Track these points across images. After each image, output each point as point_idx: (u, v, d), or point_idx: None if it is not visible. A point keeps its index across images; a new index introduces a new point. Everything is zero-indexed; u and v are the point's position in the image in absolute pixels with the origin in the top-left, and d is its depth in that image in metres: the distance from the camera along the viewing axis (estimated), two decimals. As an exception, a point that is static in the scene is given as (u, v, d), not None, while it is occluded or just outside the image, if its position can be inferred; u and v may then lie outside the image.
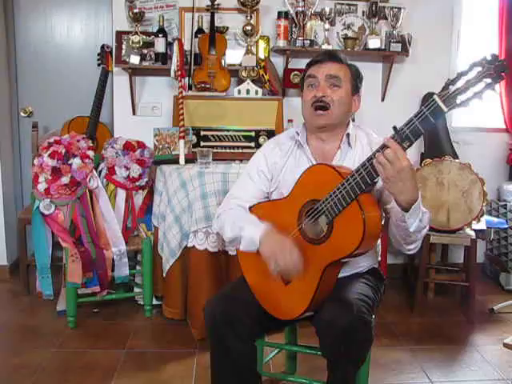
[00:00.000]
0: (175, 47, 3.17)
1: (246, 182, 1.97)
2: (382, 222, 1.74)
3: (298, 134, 1.94)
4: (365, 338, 1.66)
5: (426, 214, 1.65)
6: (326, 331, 1.64)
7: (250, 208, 1.91)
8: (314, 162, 1.87)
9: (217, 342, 1.78)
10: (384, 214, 1.80)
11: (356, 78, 1.88)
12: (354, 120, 2.97)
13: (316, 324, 1.69)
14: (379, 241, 2.00)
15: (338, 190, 1.59)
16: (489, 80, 1.33)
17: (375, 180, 1.54)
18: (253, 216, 1.86)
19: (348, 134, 1.88)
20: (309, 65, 1.91)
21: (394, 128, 1.47)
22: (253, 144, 3.27)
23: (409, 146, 1.46)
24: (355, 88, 1.88)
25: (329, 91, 1.82)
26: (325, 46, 3.49)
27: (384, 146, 1.48)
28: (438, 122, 1.42)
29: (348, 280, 1.84)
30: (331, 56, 1.86)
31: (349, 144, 1.89)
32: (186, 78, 3.38)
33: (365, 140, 1.90)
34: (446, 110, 1.38)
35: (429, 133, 3.73)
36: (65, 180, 2.95)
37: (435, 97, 1.39)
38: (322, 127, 1.86)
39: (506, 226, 3.60)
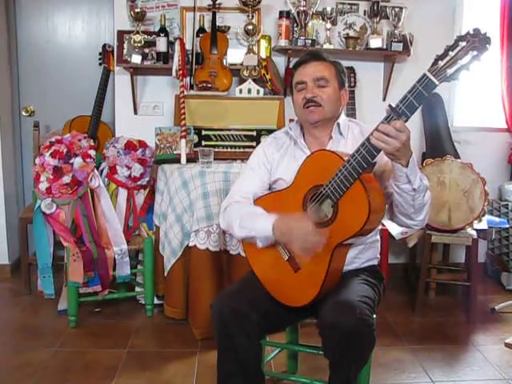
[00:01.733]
0: (177, 46, 3.17)
1: (249, 175, 2.03)
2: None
3: (290, 129, 2.02)
4: (368, 341, 1.68)
5: (423, 175, 1.72)
6: (329, 334, 1.65)
7: (253, 202, 1.95)
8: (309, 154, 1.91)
9: (224, 338, 1.80)
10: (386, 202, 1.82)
11: (341, 74, 1.95)
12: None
13: (319, 326, 1.70)
14: (378, 236, 2.02)
15: (339, 171, 1.64)
16: (475, 52, 1.41)
17: (376, 157, 1.59)
18: (258, 208, 1.90)
19: (338, 124, 1.94)
20: (295, 67, 1.97)
21: (390, 106, 1.54)
22: (254, 143, 3.26)
23: (405, 121, 1.53)
24: (341, 83, 1.95)
25: (317, 91, 1.89)
26: (326, 46, 3.49)
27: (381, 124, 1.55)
28: (431, 95, 1.51)
29: (349, 276, 1.86)
30: (314, 56, 1.94)
31: (340, 133, 1.94)
32: (188, 78, 3.38)
33: (356, 129, 1.97)
34: (437, 82, 1.46)
35: (430, 132, 3.74)
36: (66, 179, 2.95)
37: (426, 72, 1.47)
38: (316, 122, 1.91)
39: (508, 226, 3.59)
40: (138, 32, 3.41)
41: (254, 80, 3.40)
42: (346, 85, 1.99)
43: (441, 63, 1.46)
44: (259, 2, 3.43)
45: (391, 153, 1.56)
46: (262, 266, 1.92)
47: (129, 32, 3.46)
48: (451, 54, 1.45)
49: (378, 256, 2.04)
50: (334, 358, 1.71)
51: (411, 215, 1.76)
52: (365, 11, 3.67)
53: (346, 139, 1.94)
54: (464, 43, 1.42)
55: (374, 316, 1.75)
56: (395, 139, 1.52)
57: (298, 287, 1.80)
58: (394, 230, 3.29)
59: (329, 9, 3.51)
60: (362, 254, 1.94)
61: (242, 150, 3.28)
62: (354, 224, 1.64)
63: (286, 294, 1.84)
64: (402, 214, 1.78)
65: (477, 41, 1.40)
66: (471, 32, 1.42)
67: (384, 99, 3.77)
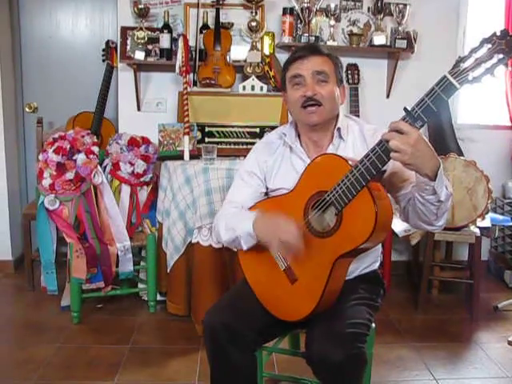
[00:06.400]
0: (180, 43, 3.17)
1: (240, 185, 1.91)
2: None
3: (284, 134, 1.86)
4: (360, 368, 1.59)
5: (447, 181, 1.58)
6: (319, 367, 1.56)
7: (250, 209, 1.83)
8: (308, 161, 1.77)
9: (216, 355, 1.70)
10: (397, 205, 1.72)
11: (339, 69, 1.79)
12: (359, 117, 2.92)
13: (307, 358, 1.59)
14: (379, 245, 1.89)
15: (346, 178, 1.51)
16: (501, 55, 1.32)
17: (386, 163, 1.46)
18: (244, 211, 1.80)
19: (339, 128, 1.79)
20: (289, 62, 1.78)
21: (405, 109, 1.43)
22: (257, 140, 3.25)
23: (421, 126, 1.42)
24: (340, 79, 1.79)
25: (317, 88, 1.72)
26: (330, 43, 3.49)
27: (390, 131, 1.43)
28: (450, 99, 1.40)
29: (344, 292, 1.70)
30: (313, 50, 1.76)
31: (340, 137, 1.81)
32: (191, 74, 3.38)
33: (356, 128, 1.82)
34: (458, 86, 1.36)
35: (434, 130, 3.73)
36: (69, 176, 2.95)
37: (446, 74, 1.37)
38: (315, 125, 1.76)
39: (511, 224, 3.59)
40: (141, 28, 3.41)
41: (258, 77, 3.40)
42: (344, 81, 1.82)
43: (463, 65, 1.35)
44: (263, -1, 3.43)
45: (409, 162, 1.41)
46: (256, 276, 1.79)
47: (132, 28, 3.46)
48: (475, 55, 1.34)
49: (379, 259, 1.94)
50: None
51: (432, 222, 1.61)
52: (368, 8, 3.67)
53: (346, 142, 1.79)
54: (489, 45, 1.32)
55: (370, 329, 1.66)
56: (402, 141, 1.38)
57: (294, 300, 1.67)
58: (397, 227, 3.28)
59: (332, 5, 3.51)
60: (363, 265, 1.84)
61: (245, 146, 3.28)
62: (359, 234, 1.50)
63: (280, 308, 1.72)
64: (421, 220, 1.63)
65: (503, 43, 1.30)
66: (498, 34, 1.31)
67: (388, 96, 3.77)
